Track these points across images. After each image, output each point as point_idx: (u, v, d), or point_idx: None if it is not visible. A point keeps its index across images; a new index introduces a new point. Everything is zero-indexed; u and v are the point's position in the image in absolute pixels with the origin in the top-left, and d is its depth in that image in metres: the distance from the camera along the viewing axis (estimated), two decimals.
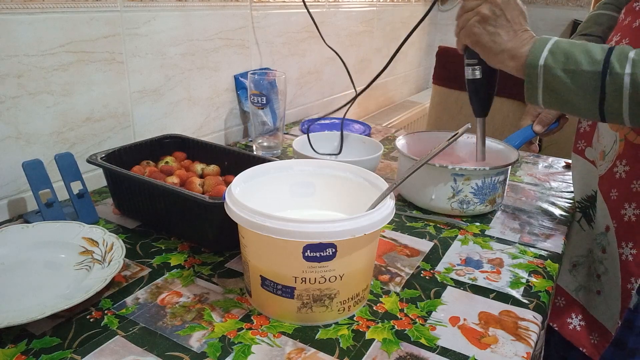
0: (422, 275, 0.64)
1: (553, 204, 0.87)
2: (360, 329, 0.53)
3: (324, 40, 1.17)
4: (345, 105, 0.90)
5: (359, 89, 1.03)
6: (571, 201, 0.89)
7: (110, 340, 0.50)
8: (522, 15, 0.65)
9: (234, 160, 0.80)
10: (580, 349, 0.81)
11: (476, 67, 0.70)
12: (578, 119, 0.87)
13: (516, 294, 0.61)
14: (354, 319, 0.55)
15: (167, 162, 0.80)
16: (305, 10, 1.17)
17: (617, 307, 0.75)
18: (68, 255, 0.62)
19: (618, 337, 0.77)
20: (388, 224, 0.68)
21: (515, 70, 0.63)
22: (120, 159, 0.75)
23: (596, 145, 0.82)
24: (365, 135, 1.19)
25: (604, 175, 0.77)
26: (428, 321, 0.55)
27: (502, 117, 1.64)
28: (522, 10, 0.65)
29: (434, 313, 0.56)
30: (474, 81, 0.71)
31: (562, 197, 0.90)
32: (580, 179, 0.87)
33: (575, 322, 0.83)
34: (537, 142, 0.96)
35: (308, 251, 0.49)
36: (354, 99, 0.91)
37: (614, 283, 0.75)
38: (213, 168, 0.80)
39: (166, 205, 0.68)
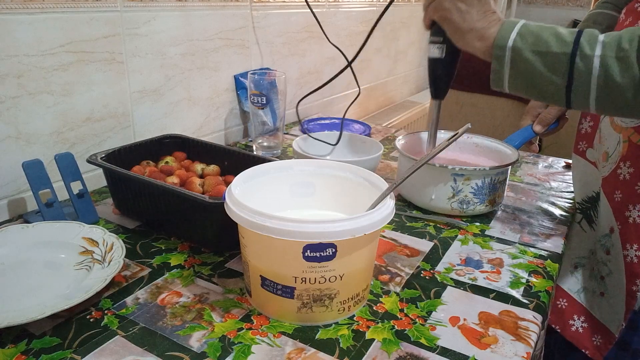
0: (422, 275, 0.64)
1: (553, 204, 0.87)
2: (360, 329, 0.53)
3: (327, 38, 1.16)
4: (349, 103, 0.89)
5: (357, 86, 1.04)
6: (571, 201, 0.89)
7: (110, 340, 0.50)
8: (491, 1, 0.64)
9: (234, 160, 0.80)
10: (583, 350, 0.81)
11: (441, 45, 0.69)
12: (579, 120, 0.87)
13: (516, 294, 0.61)
14: (354, 319, 0.55)
15: (167, 162, 0.80)
16: (305, 10, 1.17)
17: (621, 309, 0.75)
18: (68, 255, 0.62)
19: (622, 339, 0.76)
20: (388, 224, 0.68)
21: (481, 52, 0.62)
22: (120, 159, 0.75)
23: (598, 146, 0.81)
24: (365, 135, 1.19)
25: (608, 177, 0.77)
26: (428, 321, 0.55)
27: (502, 117, 1.64)
28: None
29: (434, 313, 0.56)
30: (435, 60, 0.70)
31: (562, 197, 0.90)
32: (581, 180, 0.87)
33: (577, 323, 0.82)
34: (537, 142, 0.96)
35: (308, 251, 0.49)
36: (345, 68, 0.89)
37: (619, 285, 0.75)
38: (213, 168, 0.80)
39: (166, 205, 0.68)
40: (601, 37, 0.55)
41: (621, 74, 0.54)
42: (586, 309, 0.82)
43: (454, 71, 0.72)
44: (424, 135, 0.92)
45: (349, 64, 0.93)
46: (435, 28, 0.68)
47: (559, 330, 0.84)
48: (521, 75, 0.60)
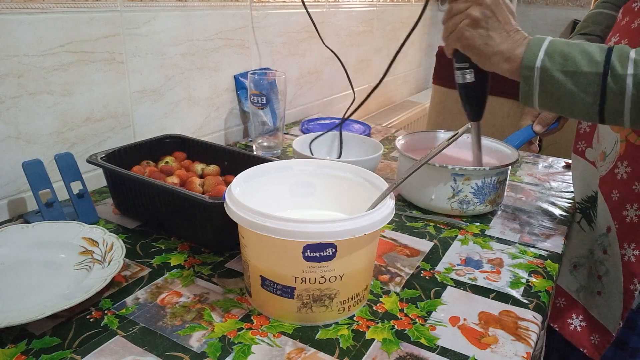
0: (422, 275, 0.64)
1: (553, 204, 0.87)
2: (360, 329, 0.53)
3: (322, 42, 1.17)
4: (351, 111, 0.89)
5: (360, 90, 1.03)
6: (571, 201, 0.89)
7: (110, 340, 0.50)
8: (512, 14, 0.63)
9: (234, 160, 0.80)
10: (581, 349, 0.81)
11: (467, 70, 0.68)
12: (578, 120, 0.87)
13: (516, 294, 0.60)
14: (354, 319, 0.55)
15: (167, 162, 0.80)
16: (305, 10, 1.17)
17: (618, 308, 0.75)
18: (68, 255, 0.62)
19: (619, 338, 0.77)
20: (388, 224, 0.68)
21: (509, 73, 0.62)
22: (120, 159, 0.75)
23: (596, 146, 0.81)
24: (365, 135, 1.19)
25: (605, 176, 0.77)
26: (428, 321, 0.55)
27: (502, 117, 1.64)
28: (512, 10, 0.63)
29: (434, 313, 0.56)
30: (466, 85, 0.70)
31: (562, 197, 0.90)
32: (581, 179, 0.87)
33: (575, 322, 0.83)
34: (537, 142, 0.96)
35: (308, 251, 0.49)
36: (362, 103, 0.90)
37: (616, 284, 0.75)
38: (213, 168, 0.80)
39: (166, 205, 0.68)
40: (632, 54, 0.55)
41: None
42: (584, 308, 0.82)
43: (487, 92, 0.71)
44: (424, 135, 0.92)
45: (375, 86, 0.92)
46: (459, 54, 0.67)
47: (557, 329, 0.85)
48: (551, 95, 0.59)
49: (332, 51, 1.11)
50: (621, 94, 0.55)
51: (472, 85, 0.69)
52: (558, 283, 0.85)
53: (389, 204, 0.54)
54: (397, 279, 0.63)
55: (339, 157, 0.96)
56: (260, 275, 0.53)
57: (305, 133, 1.21)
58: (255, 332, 0.52)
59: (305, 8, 1.15)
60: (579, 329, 0.82)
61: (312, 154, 0.91)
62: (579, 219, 0.86)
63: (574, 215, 0.86)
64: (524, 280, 0.63)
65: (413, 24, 0.76)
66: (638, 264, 0.72)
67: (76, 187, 0.73)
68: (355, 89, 1.20)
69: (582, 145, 0.86)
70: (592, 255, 0.83)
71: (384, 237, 0.73)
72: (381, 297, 0.59)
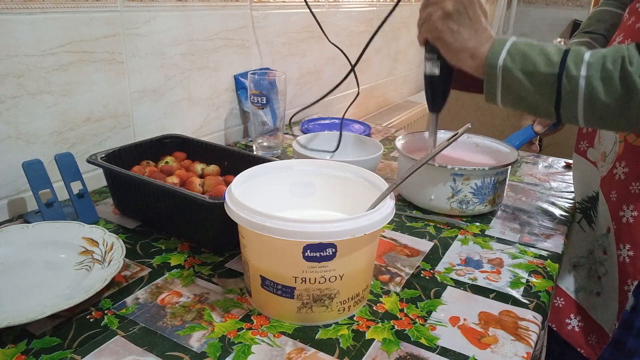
0: (422, 275, 0.64)
1: (553, 204, 0.87)
2: (360, 329, 0.53)
3: (327, 38, 1.16)
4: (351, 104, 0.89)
5: (361, 90, 1.04)
6: (571, 201, 0.89)
7: (110, 340, 0.50)
8: (484, 13, 0.65)
9: (234, 160, 0.80)
10: (578, 349, 0.81)
11: (435, 62, 0.70)
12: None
13: (516, 294, 0.61)
14: (354, 319, 0.55)
15: (167, 162, 0.80)
16: (305, 10, 1.17)
17: (614, 309, 0.75)
18: (68, 255, 0.62)
19: (616, 338, 0.76)
20: (388, 224, 0.68)
21: (473, 70, 0.64)
22: (120, 159, 0.75)
23: (597, 146, 0.81)
24: (365, 135, 1.19)
25: (605, 177, 0.77)
26: (428, 321, 0.55)
27: (502, 117, 1.64)
28: (485, 9, 0.65)
29: (434, 313, 0.56)
30: (431, 77, 0.71)
31: (562, 197, 0.90)
32: (582, 179, 0.87)
33: (573, 322, 0.83)
34: (537, 142, 0.96)
35: (308, 251, 0.49)
36: (350, 72, 0.89)
37: (613, 284, 0.75)
38: (213, 168, 0.80)
39: (166, 205, 0.68)
40: (587, 56, 0.57)
41: (605, 94, 0.56)
42: (583, 309, 0.82)
43: (450, 86, 0.73)
44: (424, 135, 0.92)
45: (353, 68, 0.93)
46: (430, 45, 0.69)
47: (555, 329, 0.84)
48: (512, 93, 0.61)
49: (337, 47, 1.11)
50: (574, 95, 0.57)
51: (437, 78, 0.71)
52: (557, 283, 0.85)
53: (389, 204, 0.54)
54: (397, 279, 0.63)
55: (336, 149, 0.95)
56: (260, 275, 0.53)
57: (305, 133, 1.21)
58: (255, 332, 0.52)
59: (309, 7, 1.15)
60: (576, 329, 0.82)
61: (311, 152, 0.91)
62: (579, 219, 0.86)
63: (574, 215, 0.86)
64: (524, 280, 0.63)
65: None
66: (632, 264, 0.72)
67: (76, 187, 0.73)
68: (355, 89, 1.20)
69: (584, 145, 0.86)
70: (591, 256, 0.82)
71: (384, 237, 0.73)
72: (381, 297, 0.59)
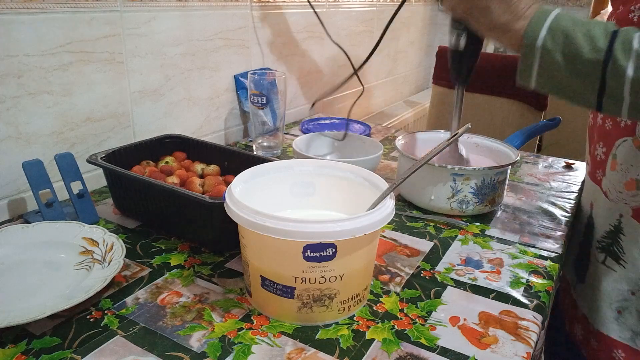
0: (422, 275, 0.64)
1: (553, 204, 0.87)
2: (360, 329, 0.53)
3: (330, 38, 1.15)
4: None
5: (360, 90, 1.04)
6: (571, 201, 0.89)
7: (110, 340, 0.50)
8: None
9: (234, 160, 0.80)
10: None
11: (462, 35, 0.65)
12: (594, 145, 0.78)
13: (516, 294, 0.60)
14: (354, 319, 0.55)
15: (167, 162, 0.80)
16: (305, 10, 1.17)
17: None
18: (68, 255, 0.62)
19: None
20: (388, 224, 0.68)
21: (509, 45, 0.59)
22: (120, 159, 0.75)
23: (611, 174, 0.73)
24: (365, 135, 1.19)
25: None
26: (428, 321, 0.55)
27: (502, 117, 1.64)
28: None
29: (434, 313, 0.56)
30: (456, 51, 0.67)
31: (562, 197, 0.90)
32: (599, 213, 0.78)
33: None
34: (537, 142, 0.95)
35: (308, 251, 0.49)
36: (352, 74, 0.88)
37: None
38: (213, 168, 0.80)
39: (166, 205, 0.68)
40: (635, 42, 0.52)
41: None
42: None
43: (477, 58, 0.68)
44: (424, 135, 0.92)
45: (357, 70, 0.91)
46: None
47: None
48: (550, 77, 0.56)
49: (340, 47, 1.10)
50: (620, 85, 0.52)
51: (464, 51, 0.67)
52: (606, 333, 0.76)
53: (389, 204, 0.54)
54: (397, 279, 0.63)
55: (344, 137, 0.95)
56: (260, 275, 0.53)
57: (305, 133, 1.21)
58: (256, 332, 0.52)
59: (312, 7, 1.15)
60: None
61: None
62: (602, 259, 0.77)
63: (596, 255, 0.78)
64: (524, 280, 0.63)
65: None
66: None
67: (76, 187, 0.73)
68: (355, 89, 1.20)
69: (600, 174, 0.77)
70: (637, 297, 0.73)
71: (384, 237, 0.73)
72: (381, 297, 0.59)
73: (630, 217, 0.71)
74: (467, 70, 0.69)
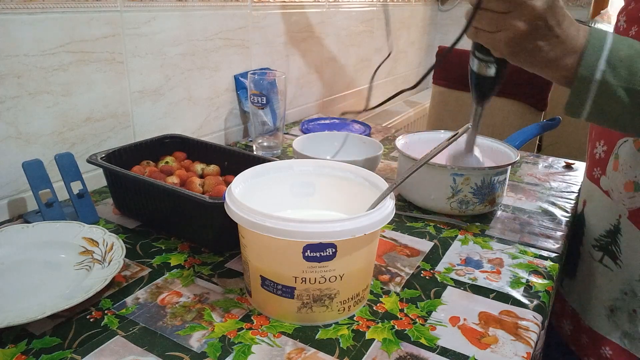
0: (422, 275, 0.64)
1: (553, 204, 0.87)
2: (360, 329, 0.53)
3: (388, 34, 1.11)
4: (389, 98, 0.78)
5: (360, 90, 1.04)
6: (571, 201, 0.89)
7: (110, 340, 0.50)
8: (566, 15, 0.53)
9: (234, 160, 0.80)
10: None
11: (491, 65, 0.62)
12: (593, 143, 0.78)
13: (516, 294, 0.60)
14: (354, 319, 0.55)
15: (167, 162, 0.80)
16: (305, 10, 1.17)
17: None
18: (68, 255, 0.62)
19: None
20: (388, 224, 0.68)
21: (557, 80, 0.55)
22: (120, 159, 0.75)
23: (613, 174, 0.73)
24: (365, 135, 1.19)
25: None
26: (428, 321, 0.55)
27: (502, 117, 1.64)
28: (565, 11, 0.53)
29: (434, 313, 0.56)
30: (484, 78, 0.64)
31: (562, 197, 0.90)
32: (598, 213, 0.78)
33: None
34: (538, 142, 0.95)
35: (308, 251, 0.49)
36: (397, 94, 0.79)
37: None
38: (213, 168, 0.80)
39: (166, 205, 0.68)
40: None
41: None
42: (635, 357, 0.73)
43: (501, 84, 0.65)
44: (424, 135, 0.92)
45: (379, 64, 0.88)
46: (485, 48, 0.59)
47: None
48: (608, 111, 0.52)
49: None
50: None
51: (491, 79, 0.63)
52: (597, 330, 0.76)
53: (389, 204, 0.54)
54: (397, 279, 0.63)
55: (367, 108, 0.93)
56: (260, 275, 0.53)
57: (305, 133, 1.21)
58: (256, 332, 0.52)
59: None
60: None
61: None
62: (600, 258, 0.76)
63: (591, 253, 0.78)
64: (524, 280, 0.63)
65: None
66: None
67: (76, 187, 0.73)
68: (354, 89, 1.20)
69: (597, 172, 0.77)
70: (629, 297, 0.73)
71: (384, 237, 0.73)
72: (381, 297, 0.59)
73: (626, 218, 0.71)
74: (490, 94, 0.66)
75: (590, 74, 0.51)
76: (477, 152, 0.77)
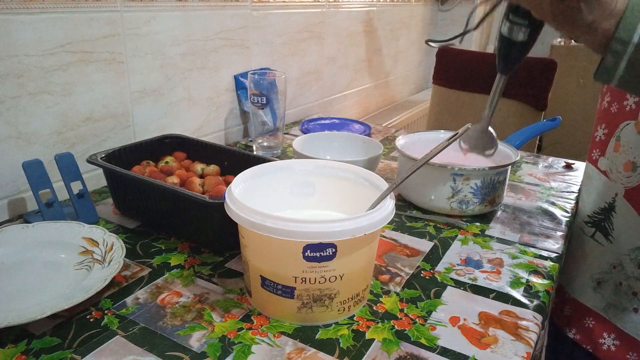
0: (422, 275, 0.64)
1: (553, 204, 0.87)
2: (360, 329, 0.53)
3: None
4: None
5: (360, 90, 1.03)
6: (571, 201, 0.89)
7: (110, 340, 0.50)
8: None
9: (234, 160, 0.80)
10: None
11: (523, 28, 0.61)
12: (594, 128, 0.82)
13: (516, 294, 0.61)
14: (354, 319, 0.55)
15: (167, 162, 0.80)
16: (305, 10, 1.17)
17: None
18: (68, 255, 0.62)
19: None
20: (388, 224, 0.68)
21: (595, 47, 0.55)
22: (120, 159, 0.75)
23: (612, 155, 0.76)
24: (365, 135, 1.19)
25: (636, 188, 0.72)
26: (428, 321, 0.55)
27: (502, 117, 1.64)
28: None
29: (434, 313, 0.56)
30: (514, 43, 0.62)
31: (562, 197, 0.90)
32: (594, 191, 0.81)
33: (608, 342, 0.78)
34: (538, 142, 0.95)
35: (308, 251, 0.49)
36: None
37: None
38: (213, 168, 0.80)
39: (166, 205, 0.68)
40: None
41: None
42: (616, 326, 0.77)
43: (529, 50, 0.65)
44: (424, 135, 0.92)
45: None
46: (522, 10, 0.59)
47: (591, 351, 0.80)
48: (638, 74, 0.52)
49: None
50: None
51: (521, 44, 0.62)
52: (582, 301, 0.81)
53: (389, 204, 0.54)
54: (397, 279, 0.63)
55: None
56: (260, 275, 0.53)
57: (305, 133, 1.21)
58: (255, 332, 0.52)
59: None
60: (612, 348, 0.77)
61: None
62: (592, 233, 0.81)
63: (584, 229, 0.82)
64: (524, 280, 0.63)
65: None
66: None
67: (76, 187, 0.73)
68: (355, 89, 1.20)
69: (596, 153, 0.81)
70: (616, 271, 0.77)
71: (384, 237, 0.73)
72: (381, 297, 0.59)
73: (622, 196, 0.74)
74: (517, 62, 0.66)
75: (628, 38, 0.51)
76: (491, 128, 0.76)
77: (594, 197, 0.81)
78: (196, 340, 0.51)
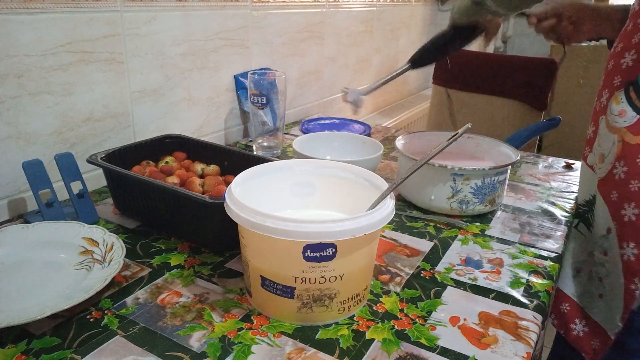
0: (422, 275, 0.64)
1: (553, 204, 0.87)
2: (360, 329, 0.53)
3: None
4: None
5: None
6: (571, 201, 0.89)
7: (110, 340, 0.50)
8: None
9: (234, 160, 0.80)
10: (584, 355, 0.80)
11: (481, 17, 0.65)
12: (589, 126, 0.85)
13: (516, 294, 0.61)
14: (354, 319, 0.55)
15: (167, 162, 0.80)
16: (305, 10, 1.17)
17: (619, 310, 0.74)
18: (68, 255, 0.62)
19: (618, 340, 0.76)
20: (388, 224, 0.68)
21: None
22: (120, 159, 0.75)
23: (596, 149, 0.81)
24: (365, 135, 1.19)
25: (604, 178, 0.77)
26: (428, 321, 0.55)
27: (502, 117, 1.64)
28: None
29: (434, 313, 0.56)
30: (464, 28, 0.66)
31: (562, 197, 0.90)
32: (582, 184, 0.87)
33: (578, 327, 0.82)
34: (537, 142, 0.96)
35: (308, 251, 0.49)
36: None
37: (617, 285, 0.75)
38: (213, 168, 0.80)
39: (166, 205, 0.68)
40: None
41: None
42: (586, 313, 0.81)
43: (452, 52, 0.69)
44: (424, 135, 0.92)
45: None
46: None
47: (563, 335, 0.84)
48: None
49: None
50: None
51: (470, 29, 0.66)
52: (562, 288, 0.85)
53: (389, 204, 0.54)
54: (397, 279, 0.63)
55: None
56: (260, 275, 0.53)
57: (305, 133, 1.21)
58: (255, 332, 0.52)
59: None
60: (581, 334, 0.81)
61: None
62: (576, 224, 0.86)
63: (572, 220, 0.86)
64: (524, 280, 0.63)
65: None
66: (638, 262, 0.72)
67: (76, 187, 0.73)
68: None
69: (587, 150, 0.85)
70: (591, 258, 0.82)
71: (384, 237, 0.73)
72: (381, 297, 0.59)
73: (596, 187, 0.79)
74: (432, 62, 0.70)
75: None
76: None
77: (581, 191, 0.86)
78: (196, 340, 0.51)
